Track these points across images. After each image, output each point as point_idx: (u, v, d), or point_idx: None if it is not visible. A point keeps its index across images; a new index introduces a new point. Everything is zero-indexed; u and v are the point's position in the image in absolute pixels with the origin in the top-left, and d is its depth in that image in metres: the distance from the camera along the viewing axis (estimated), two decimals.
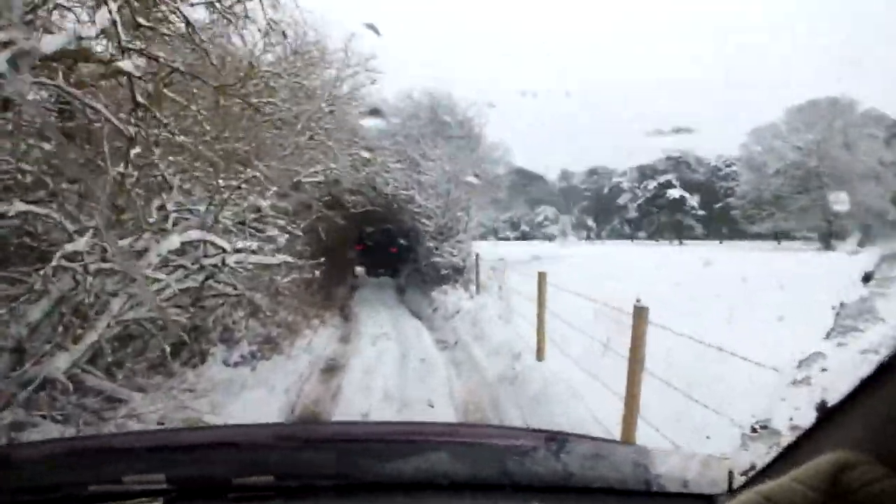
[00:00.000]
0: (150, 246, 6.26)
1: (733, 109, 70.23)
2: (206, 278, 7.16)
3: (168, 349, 6.58)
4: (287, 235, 8.62)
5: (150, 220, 6.36)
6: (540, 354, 8.24)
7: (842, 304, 6.77)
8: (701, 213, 62.67)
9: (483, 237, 29.03)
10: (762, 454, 1.09)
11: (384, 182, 16.21)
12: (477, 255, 15.46)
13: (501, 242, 44.43)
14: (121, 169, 5.46)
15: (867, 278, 10.20)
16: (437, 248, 16.98)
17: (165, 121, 6.22)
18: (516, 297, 11.48)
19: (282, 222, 8.82)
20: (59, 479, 1.25)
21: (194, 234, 6.52)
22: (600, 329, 7.00)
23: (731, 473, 1.18)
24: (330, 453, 1.37)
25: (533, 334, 8.61)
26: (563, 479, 1.25)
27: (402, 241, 22.26)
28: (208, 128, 7.31)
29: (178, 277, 6.81)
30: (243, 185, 7.59)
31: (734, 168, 63.53)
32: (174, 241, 6.35)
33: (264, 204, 8.43)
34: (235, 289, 7.58)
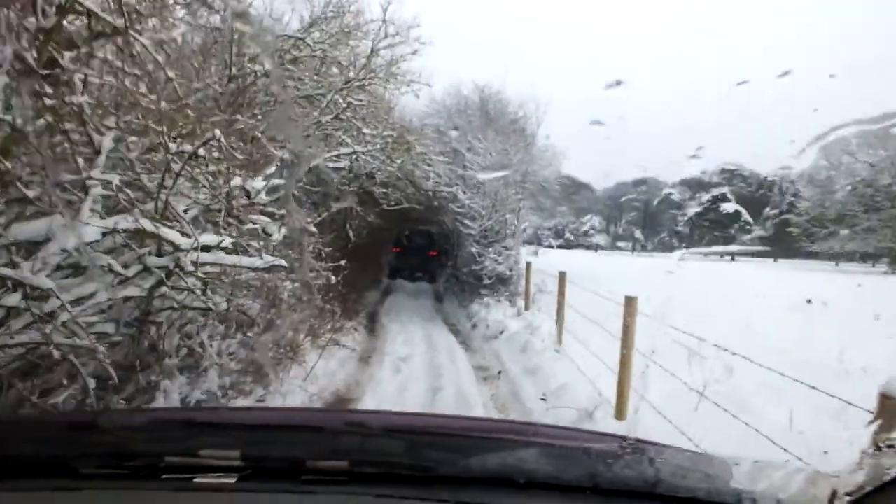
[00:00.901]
0: (54, 235, 4.08)
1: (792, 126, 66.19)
2: (157, 284, 4.96)
3: (92, 383, 4.39)
4: (284, 229, 6.35)
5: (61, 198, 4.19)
6: (620, 411, 5.83)
7: None
8: (756, 229, 58.96)
9: (527, 243, 26.63)
10: (875, 476, 1.01)
11: (424, 176, 13.90)
12: (528, 265, 13.02)
13: (547, 250, 41.80)
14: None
15: None
16: (480, 255, 14.64)
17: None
18: (580, 321, 9.05)
19: (281, 212, 6.57)
20: (138, 448, 1.26)
21: (123, 223, 4.31)
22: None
23: (834, 493, 1.08)
24: (405, 443, 1.29)
25: (608, 378, 6.21)
26: (648, 486, 1.17)
27: (442, 245, 20.11)
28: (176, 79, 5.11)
29: (107, 283, 4.63)
30: (216, 159, 5.38)
31: (795, 183, 59.89)
32: (89, 231, 4.16)
33: (257, 186, 6.18)
34: (204, 299, 5.34)
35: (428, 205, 15.47)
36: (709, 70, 79.19)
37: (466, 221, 14.69)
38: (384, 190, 14.01)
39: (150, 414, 2.00)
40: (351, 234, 13.75)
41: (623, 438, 1.33)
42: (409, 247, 21.49)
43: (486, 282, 14.24)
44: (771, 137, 69.38)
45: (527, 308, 12.46)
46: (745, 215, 58.88)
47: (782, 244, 59.24)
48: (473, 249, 14.62)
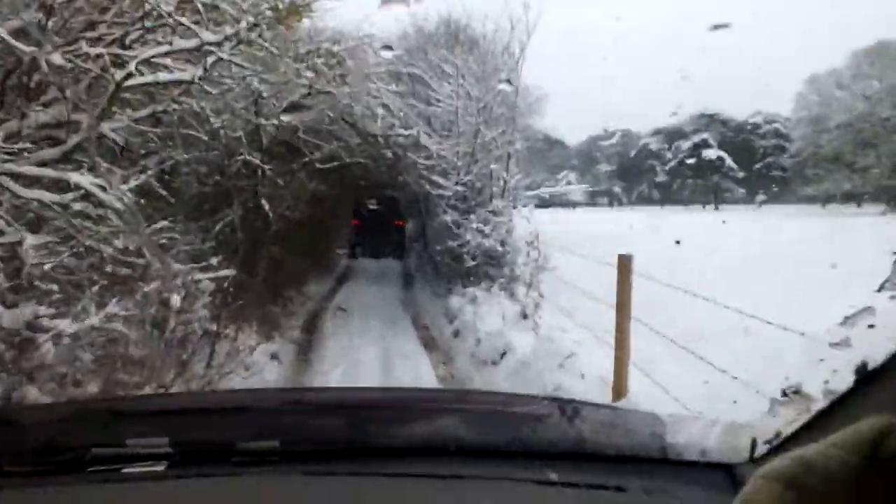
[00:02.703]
0: None
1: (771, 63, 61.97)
2: None
3: None
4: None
5: None
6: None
7: None
8: (740, 174, 54.99)
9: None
10: (789, 421, 1.00)
11: (370, 116, 9.16)
12: (535, 238, 8.36)
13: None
14: None
15: None
16: (457, 224, 10.04)
17: None
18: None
19: None
20: (61, 442, 1.19)
21: None
22: None
23: (754, 441, 1.08)
24: (338, 418, 1.29)
25: None
26: (575, 446, 1.18)
27: (411, 213, 15.74)
28: None
29: None
30: None
31: (776, 125, 55.91)
32: None
33: None
34: None
35: (379, 158, 10.69)
36: (678, 15, 74.61)
37: (436, 178, 10.06)
38: (314, 140, 9.30)
39: (71, 406, 1.93)
40: (268, 209, 9.04)
41: (551, 400, 1.32)
42: (370, 218, 17.55)
43: (470, 263, 9.66)
44: (750, 81, 65.45)
45: (536, 305, 7.91)
46: (728, 161, 54.78)
47: (769, 189, 55.58)
48: (448, 218, 10.02)
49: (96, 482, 1.12)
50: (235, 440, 1.16)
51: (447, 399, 1.62)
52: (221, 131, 8.13)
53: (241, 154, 8.37)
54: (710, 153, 55.06)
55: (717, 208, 54.74)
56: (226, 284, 7.82)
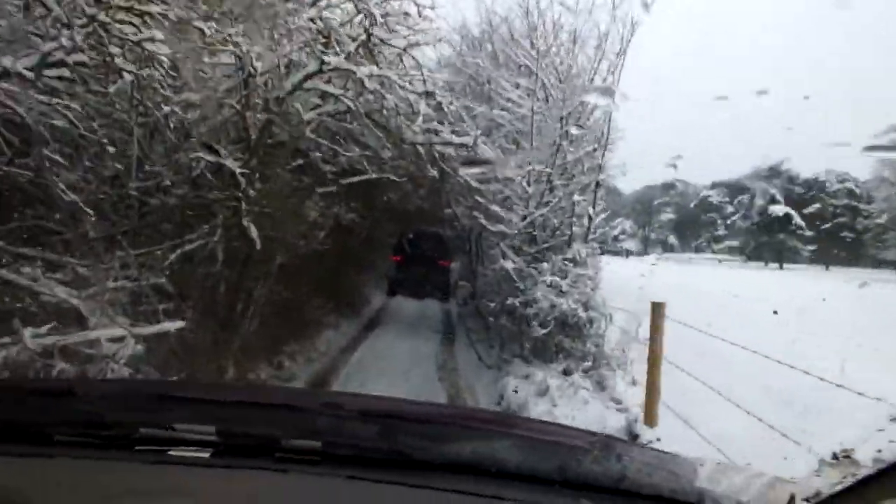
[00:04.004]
0: None
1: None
2: None
3: None
4: None
5: None
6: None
7: None
8: (808, 233, 50.47)
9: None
10: (833, 483, 0.97)
11: (408, 114, 6.21)
12: (657, 309, 5.04)
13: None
14: None
15: None
16: (521, 275, 6.95)
17: None
18: None
19: None
20: (113, 418, 1.20)
21: None
22: None
23: (792, 497, 1.05)
24: (380, 427, 1.22)
25: None
26: (614, 482, 1.13)
27: (458, 252, 13.04)
28: None
29: None
30: None
31: (849, 184, 51.43)
32: None
33: None
34: None
35: (419, 178, 7.63)
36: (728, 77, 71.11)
37: (495, 209, 7.01)
38: (326, 143, 6.42)
39: (125, 384, 1.96)
40: (254, 235, 6.11)
41: (593, 434, 1.32)
42: (412, 255, 15.17)
43: (538, 332, 6.49)
44: (818, 137, 60.96)
45: (648, 411, 4.71)
46: (796, 218, 50.34)
47: (836, 250, 50.92)
48: (509, 265, 6.91)
49: (142, 461, 1.10)
50: (280, 436, 1.13)
51: (490, 420, 1.53)
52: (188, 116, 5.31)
53: (218, 153, 5.49)
54: (777, 209, 50.78)
55: (781, 267, 50.27)
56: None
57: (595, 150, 7.29)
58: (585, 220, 7.26)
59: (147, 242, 6.04)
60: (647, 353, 6.89)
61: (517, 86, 7.18)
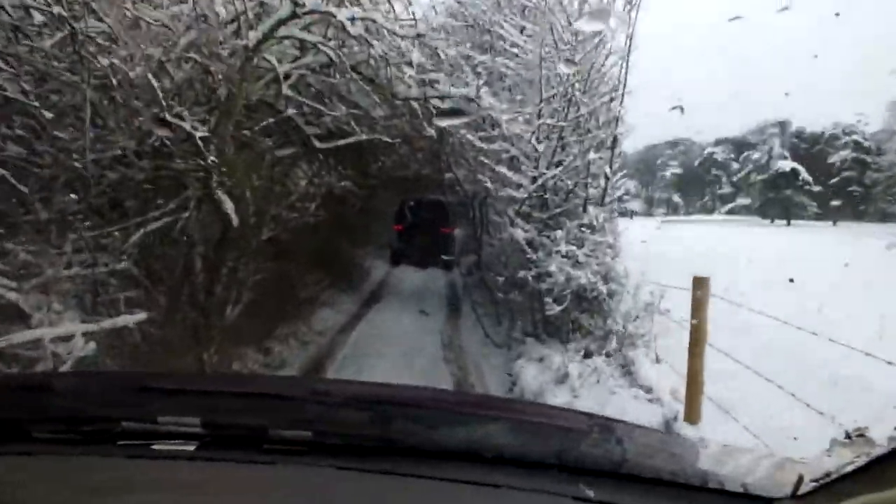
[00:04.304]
0: None
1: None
2: None
3: None
4: None
5: None
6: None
7: None
8: (815, 188, 49.40)
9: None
10: (844, 463, 0.93)
11: (399, 66, 5.37)
12: (700, 284, 4.21)
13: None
14: None
15: None
16: (532, 245, 6.17)
17: None
18: None
19: None
20: (94, 412, 1.16)
21: None
22: None
23: (800, 478, 1.00)
24: (371, 413, 1.18)
25: None
26: (614, 466, 1.09)
27: (460, 220, 12.52)
28: None
29: None
30: None
31: (856, 137, 50.11)
32: None
33: None
34: None
35: (416, 139, 6.76)
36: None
37: (502, 170, 6.18)
38: (307, 101, 5.59)
39: (106, 377, 1.88)
40: (229, 210, 5.33)
41: (590, 416, 1.27)
42: (414, 223, 14.80)
43: (553, 309, 5.74)
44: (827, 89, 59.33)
45: (690, 405, 3.96)
46: (803, 174, 49.17)
47: (845, 206, 49.95)
48: (519, 233, 6.11)
49: (125, 456, 1.08)
50: (267, 427, 1.09)
51: (485, 404, 1.51)
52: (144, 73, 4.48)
53: (179, 115, 4.67)
54: (784, 164, 49.58)
55: (788, 223, 49.33)
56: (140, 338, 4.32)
57: (612, 100, 6.44)
58: (602, 181, 6.45)
59: (108, 223, 5.29)
60: (670, 326, 6.20)
61: (522, 30, 6.29)
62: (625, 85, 6.42)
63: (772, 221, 51.52)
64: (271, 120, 5.73)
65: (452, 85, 5.42)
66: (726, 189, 58.56)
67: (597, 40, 6.31)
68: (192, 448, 1.06)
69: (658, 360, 5.86)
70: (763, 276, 12.13)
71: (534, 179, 6.18)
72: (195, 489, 1.01)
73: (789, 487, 1.00)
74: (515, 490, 1.02)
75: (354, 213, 11.40)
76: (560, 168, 6.02)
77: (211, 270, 5.87)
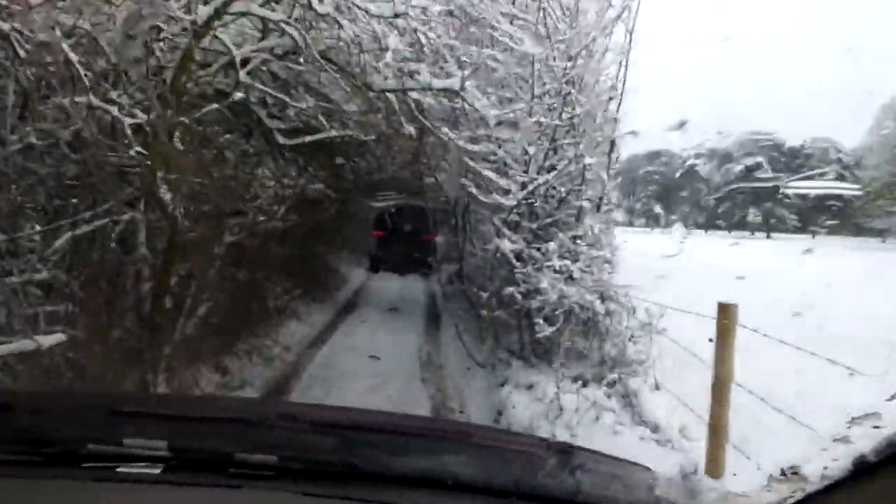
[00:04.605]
0: None
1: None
2: None
3: None
4: None
5: None
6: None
7: None
8: (796, 202, 49.53)
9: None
10: (783, 498, 0.99)
11: (374, 53, 4.70)
12: (726, 312, 3.56)
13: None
14: None
15: None
16: (520, 258, 5.51)
17: None
18: None
19: None
20: (58, 434, 1.14)
21: None
22: None
23: None
24: (336, 439, 1.19)
25: None
26: (570, 495, 1.12)
27: (442, 228, 12.23)
28: None
29: None
30: None
31: (838, 154, 50.36)
32: None
33: None
34: None
35: (394, 137, 6.04)
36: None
37: (489, 174, 5.51)
38: (268, 90, 4.90)
39: (71, 398, 1.81)
40: (174, 209, 4.60)
41: (548, 442, 1.32)
42: (394, 230, 14.75)
43: (545, 331, 5.07)
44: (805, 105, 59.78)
45: (713, 456, 3.31)
46: (783, 188, 49.27)
47: (825, 219, 50.12)
48: (506, 245, 5.44)
49: (90, 479, 1.06)
50: (233, 451, 1.09)
51: (446, 430, 1.50)
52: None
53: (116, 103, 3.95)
54: (764, 177, 49.60)
55: (769, 236, 49.34)
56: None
57: (610, 99, 5.83)
58: (598, 188, 5.83)
59: (35, 223, 4.54)
60: (666, 345, 5.58)
61: (512, 20, 5.65)
62: (624, 83, 5.82)
63: (752, 234, 51.59)
64: (227, 111, 5.01)
65: (434, 75, 4.74)
66: (709, 201, 58.55)
67: (593, 34, 5.70)
68: (157, 471, 1.05)
69: (657, 387, 5.24)
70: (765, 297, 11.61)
71: (523, 185, 5.53)
72: None
73: None
74: None
75: (330, 217, 10.68)
76: (553, 173, 5.37)
77: (158, 280, 5.14)
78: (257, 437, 1.16)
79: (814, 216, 50.20)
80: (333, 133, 5.18)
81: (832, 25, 55.33)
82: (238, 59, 4.47)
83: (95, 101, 3.58)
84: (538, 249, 5.42)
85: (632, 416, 4.42)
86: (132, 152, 3.89)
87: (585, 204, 5.61)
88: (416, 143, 5.77)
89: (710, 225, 57.63)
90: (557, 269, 5.20)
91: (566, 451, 1.24)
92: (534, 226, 5.65)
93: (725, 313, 3.16)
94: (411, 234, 14.36)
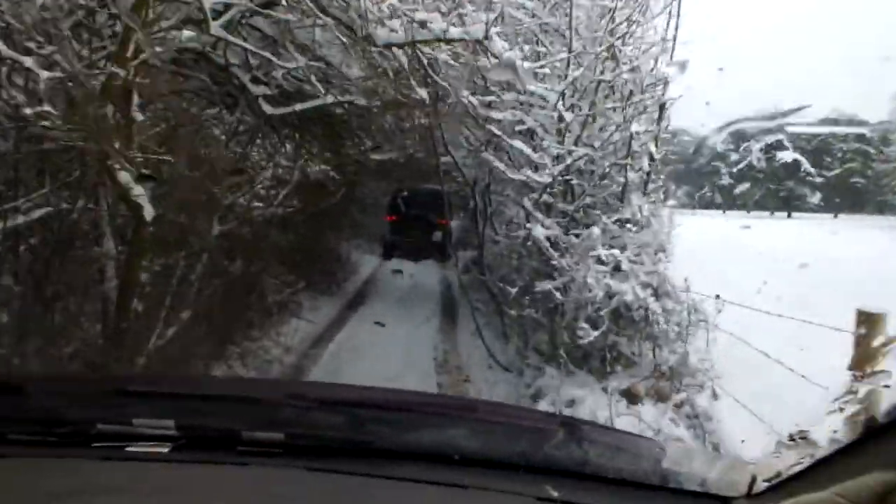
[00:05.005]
0: None
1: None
2: None
3: None
4: None
5: None
6: None
7: None
8: (818, 180, 47.99)
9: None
10: (792, 464, 0.97)
11: (367, 2, 3.77)
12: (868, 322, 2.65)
13: None
14: None
15: None
16: (556, 246, 4.59)
17: None
18: None
19: None
20: (68, 415, 1.15)
21: None
22: None
23: (753, 478, 1.03)
24: (343, 416, 1.21)
25: None
26: (577, 466, 1.11)
27: (460, 212, 12.21)
28: None
29: None
30: None
31: (862, 130, 48.66)
32: None
33: None
34: None
35: (393, 102, 5.06)
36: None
37: (518, 145, 4.59)
38: (260, 51, 3.99)
39: (80, 380, 1.86)
40: (137, 196, 3.70)
41: (554, 416, 1.35)
42: (408, 214, 13.99)
43: (590, 335, 4.14)
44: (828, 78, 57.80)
45: None
46: (805, 165, 47.69)
47: (847, 198, 48.64)
48: (540, 231, 4.50)
49: (99, 458, 1.07)
50: (241, 429, 1.09)
51: (453, 406, 1.46)
52: None
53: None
54: (786, 155, 48.05)
55: (789, 216, 47.89)
56: None
57: (657, 61, 4.86)
58: (644, 162, 4.87)
59: None
60: (732, 348, 4.66)
61: None
62: (676, 37, 4.83)
63: (772, 214, 50.16)
64: (205, 78, 4.09)
65: (452, 24, 3.79)
66: (726, 180, 57.03)
67: None
68: (166, 450, 1.06)
69: (716, 396, 4.33)
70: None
71: (558, 158, 4.58)
72: (169, 491, 1.00)
73: (744, 487, 1.03)
74: (482, 490, 1.03)
75: (336, 202, 9.79)
76: (599, 144, 4.41)
77: (124, 279, 4.27)
78: (265, 416, 1.16)
79: (835, 194, 48.69)
80: (330, 99, 4.25)
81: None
82: (207, 5, 3.55)
83: (5, 50, 2.68)
84: (577, 235, 4.48)
85: (698, 438, 3.51)
86: (59, 121, 2.96)
87: (634, 178, 4.64)
88: (430, 111, 4.84)
89: (728, 205, 56.24)
90: (602, 258, 4.26)
91: (572, 425, 1.26)
92: (570, 207, 4.71)
93: (871, 324, 2.22)
94: (425, 218, 13.55)
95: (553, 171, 4.38)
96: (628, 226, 4.42)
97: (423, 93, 4.37)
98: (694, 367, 4.16)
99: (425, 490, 1.03)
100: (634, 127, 4.51)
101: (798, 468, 0.95)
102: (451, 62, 4.13)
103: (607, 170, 4.62)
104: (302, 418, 1.15)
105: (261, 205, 7.13)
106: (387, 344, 7.29)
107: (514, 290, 5.02)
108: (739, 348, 4.58)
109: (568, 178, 4.60)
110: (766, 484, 1.00)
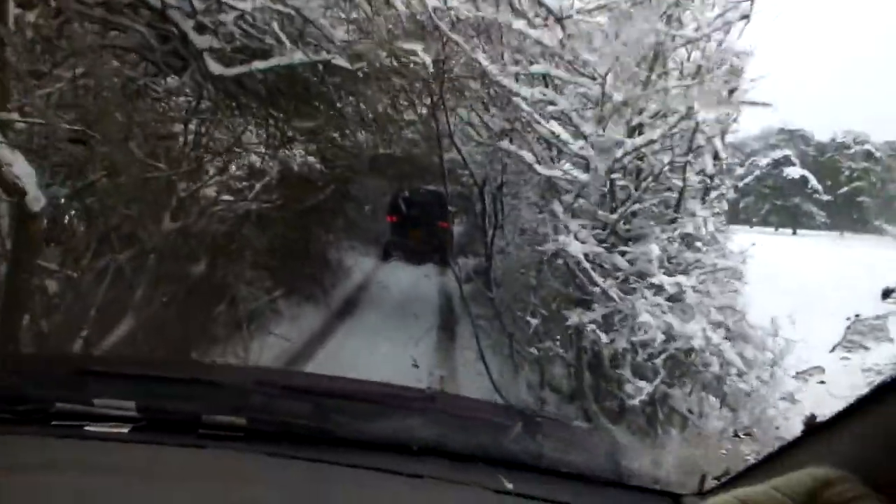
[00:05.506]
0: None
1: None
2: None
3: None
4: None
5: None
6: None
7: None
8: (825, 198, 46.91)
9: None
10: (739, 460, 1.02)
11: None
12: None
13: None
14: None
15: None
16: (596, 265, 3.44)
17: None
18: None
19: None
20: (28, 392, 1.12)
21: None
22: None
23: (703, 476, 1.07)
24: (306, 404, 1.20)
25: None
26: (532, 459, 1.14)
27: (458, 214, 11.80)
28: None
29: None
30: None
31: (868, 146, 47.69)
32: None
33: None
34: None
35: (386, 71, 3.90)
36: None
37: (554, 129, 3.44)
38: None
39: (42, 357, 1.81)
40: (26, 185, 2.57)
41: (515, 411, 1.31)
42: (409, 215, 13.56)
43: (640, 390, 2.97)
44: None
45: None
46: (812, 182, 46.54)
47: (853, 216, 47.60)
48: (576, 248, 3.34)
49: (58, 436, 1.05)
50: (202, 412, 1.08)
51: (414, 398, 1.43)
52: None
53: None
54: (793, 171, 46.89)
55: (794, 233, 46.70)
56: None
57: (728, 23, 3.72)
58: (707, 162, 3.73)
59: None
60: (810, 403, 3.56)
61: None
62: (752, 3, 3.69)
63: (776, 230, 49.04)
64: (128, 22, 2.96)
65: None
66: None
67: None
68: (126, 430, 1.04)
69: None
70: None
71: (600, 134, 3.43)
72: (127, 471, 0.99)
73: (695, 484, 1.06)
74: (439, 481, 1.03)
75: (329, 199, 8.63)
76: (657, 133, 3.27)
77: (5, 290, 3.12)
78: (228, 400, 1.15)
79: (842, 212, 47.60)
80: (299, 57, 3.10)
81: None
82: None
83: None
84: (623, 254, 3.33)
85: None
86: None
87: (695, 180, 3.51)
88: (435, 83, 3.67)
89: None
90: (657, 286, 3.11)
91: (530, 419, 1.31)
92: (613, 217, 3.56)
93: None
94: (426, 221, 12.97)
95: (600, 166, 3.22)
96: (694, 245, 3.27)
97: (424, 55, 3.21)
98: (778, 431, 3.02)
99: (383, 478, 1.02)
100: (701, 115, 3.36)
101: (745, 465, 0.97)
102: (465, 12, 2.97)
103: (666, 168, 3.47)
104: (266, 405, 1.15)
105: (231, 198, 6.01)
106: (375, 365, 6.15)
107: (533, 320, 3.85)
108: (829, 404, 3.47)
109: (615, 177, 3.45)
110: (716, 482, 1.03)
